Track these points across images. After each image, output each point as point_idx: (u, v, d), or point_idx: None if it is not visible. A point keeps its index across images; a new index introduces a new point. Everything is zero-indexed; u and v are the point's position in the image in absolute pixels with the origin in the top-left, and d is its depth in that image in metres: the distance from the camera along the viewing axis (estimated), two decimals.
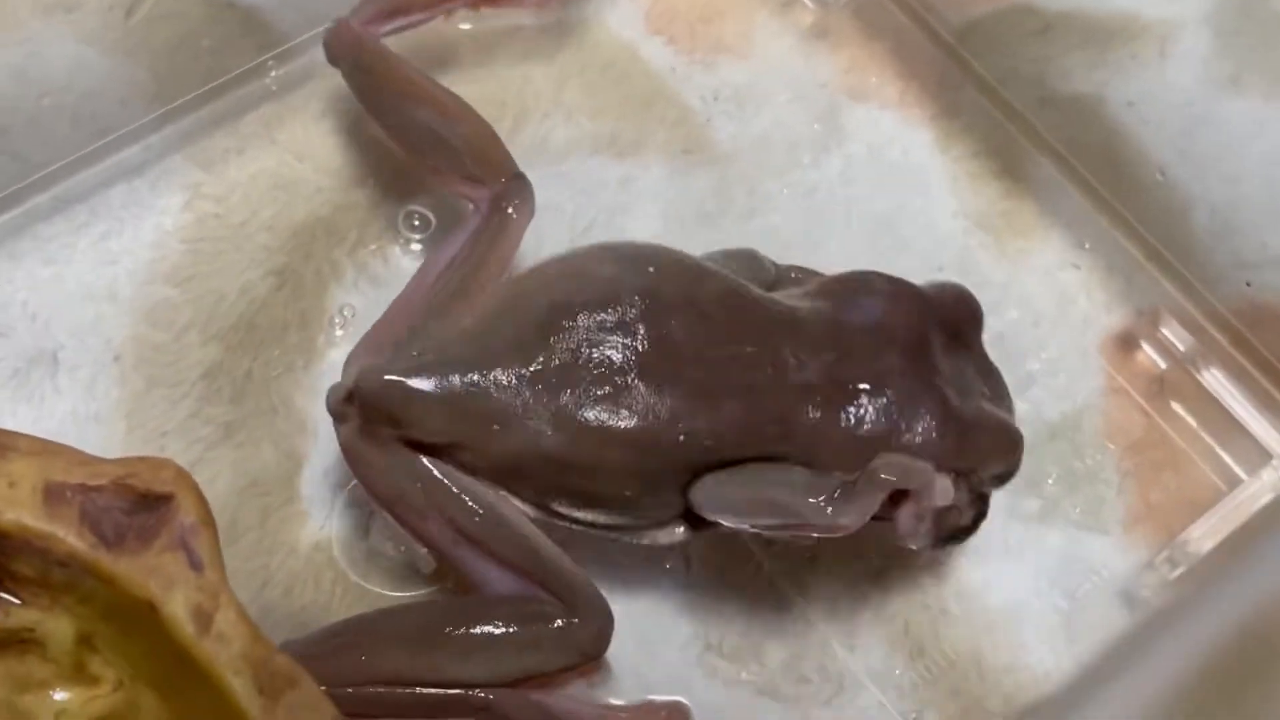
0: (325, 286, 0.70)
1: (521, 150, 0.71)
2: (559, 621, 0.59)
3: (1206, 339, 0.72)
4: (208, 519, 0.53)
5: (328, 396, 0.61)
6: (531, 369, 0.59)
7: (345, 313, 0.70)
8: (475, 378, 0.59)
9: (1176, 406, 0.72)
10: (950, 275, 0.72)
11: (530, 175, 0.67)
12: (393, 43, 0.70)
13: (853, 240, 0.74)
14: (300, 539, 0.65)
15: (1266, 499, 0.69)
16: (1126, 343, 0.72)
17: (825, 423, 0.59)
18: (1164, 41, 0.71)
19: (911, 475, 0.57)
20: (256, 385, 0.68)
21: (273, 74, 0.74)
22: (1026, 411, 0.70)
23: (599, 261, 0.62)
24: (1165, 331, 0.72)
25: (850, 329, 0.60)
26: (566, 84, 0.76)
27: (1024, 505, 0.69)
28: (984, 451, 0.60)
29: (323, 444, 0.67)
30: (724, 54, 0.78)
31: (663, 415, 0.58)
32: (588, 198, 0.73)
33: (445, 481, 0.60)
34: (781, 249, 0.67)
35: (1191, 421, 0.71)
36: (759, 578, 0.66)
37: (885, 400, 0.59)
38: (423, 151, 0.67)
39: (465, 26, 0.75)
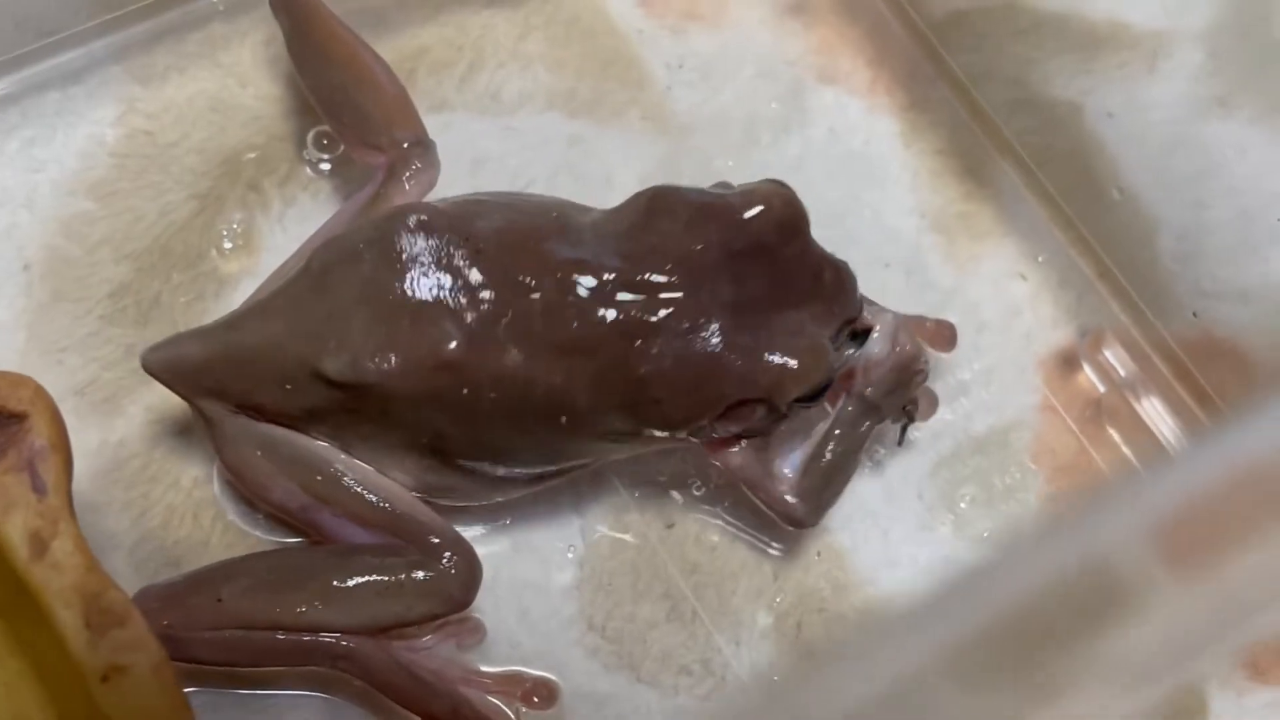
0: (251, 217, 0.68)
1: (472, 97, 0.69)
2: (421, 569, 0.58)
3: (1149, 367, 0.69)
4: (60, 444, 0.52)
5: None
6: (312, 320, 0.57)
7: (265, 246, 0.67)
8: (252, 336, 0.58)
9: (1110, 432, 0.69)
10: (896, 274, 0.70)
11: (478, 125, 0.66)
12: None
13: None
14: (186, 472, 0.64)
15: None
16: (1067, 362, 0.70)
17: (608, 364, 0.57)
18: (1154, 55, 0.68)
19: None
20: (163, 310, 0.66)
21: None
22: (953, 422, 0.68)
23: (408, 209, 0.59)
24: (1108, 354, 0.70)
25: (632, 256, 0.57)
26: (529, 35, 0.74)
27: (936, 519, 0.66)
28: (773, 379, 0.57)
29: None
30: (695, 21, 0.75)
31: (440, 364, 0.56)
32: (533, 153, 0.71)
33: (281, 444, 0.59)
34: None
35: (1124, 450, 0.69)
36: (654, 562, 0.64)
37: (664, 336, 0.56)
38: (333, 112, 0.66)
39: None
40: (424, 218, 0.58)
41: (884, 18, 0.76)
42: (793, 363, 0.57)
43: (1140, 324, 0.70)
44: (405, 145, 0.63)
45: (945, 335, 0.65)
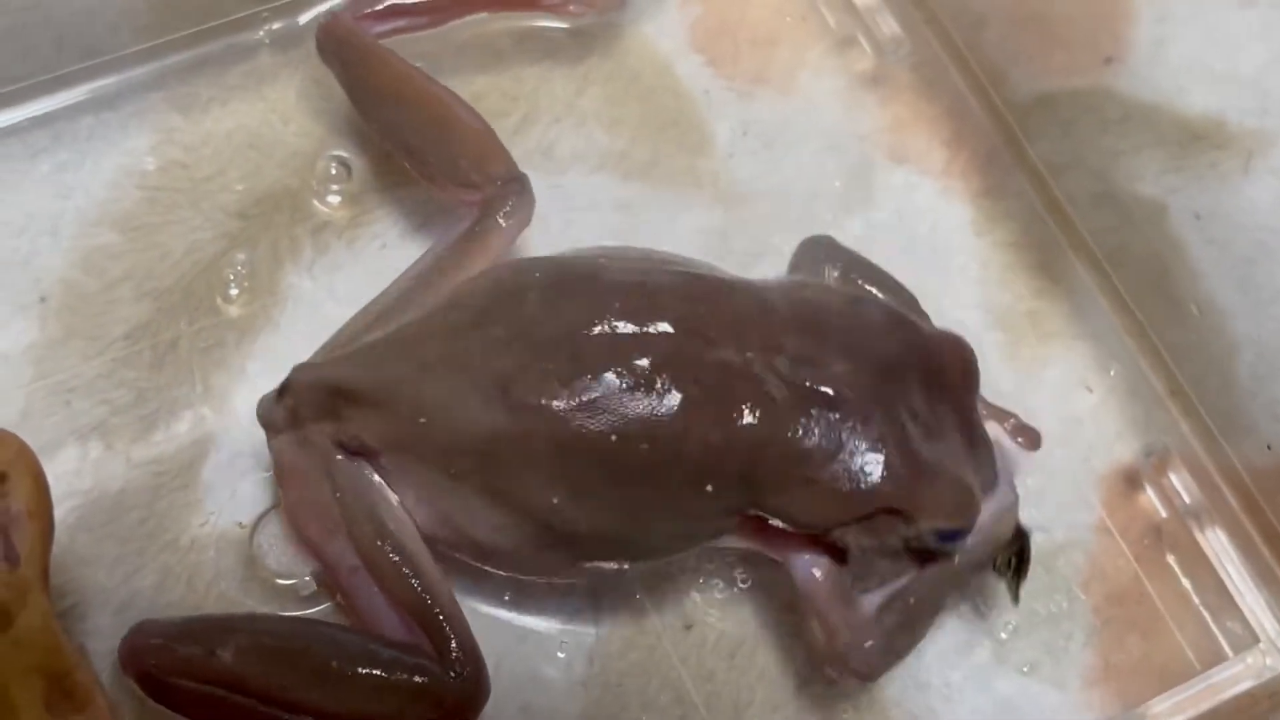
0: (279, 263, 0.65)
1: (521, 152, 0.66)
2: (428, 674, 0.55)
3: (1216, 496, 0.65)
4: (40, 510, 0.49)
5: (258, 406, 0.58)
6: (460, 359, 0.55)
7: (292, 295, 0.64)
8: (402, 367, 0.55)
9: (1170, 561, 0.65)
10: None
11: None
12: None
13: None
14: (185, 530, 0.61)
15: (1244, 686, 0.62)
16: (1129, 482, 0.66)
17: (771, 435, 0.54)
18: (1250, 155, 0.64)
19: None
20: (181, 355, 0.63)
21: (270, 26, 0.69)
22: None
23: (540, 263, 0.58)
24: (1173, 478, 0.66)
25: (823, 340, 0.56)
26: (588, 90, 0.70)
27: (975, 642, 0.62)
28: (933, 500, 0.55)
29: (236, 431, 0.62)
30: (765, 85, 0.72)
31: (594, 407, 0.54)
32: (579, 215, 0.68)
33: (363, 498, 0.56)
34: None
35: (1182, 583, 0.65)
36: (667, 665, 0.61)
37: (837, 422, 0.54)
38: (412, 153, 0.63)
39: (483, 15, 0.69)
40: (592, 262, 0.56)
41: (964, 97, 0.72)
42: (954, 493, 0.55)
43: (1210, 448, 0.66)
44: (499, 181, 0.61)
45: (1030, 437, 0.62)
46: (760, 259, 0.67)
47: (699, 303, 0.55)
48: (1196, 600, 0.64)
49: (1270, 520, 0.64)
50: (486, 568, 0.58)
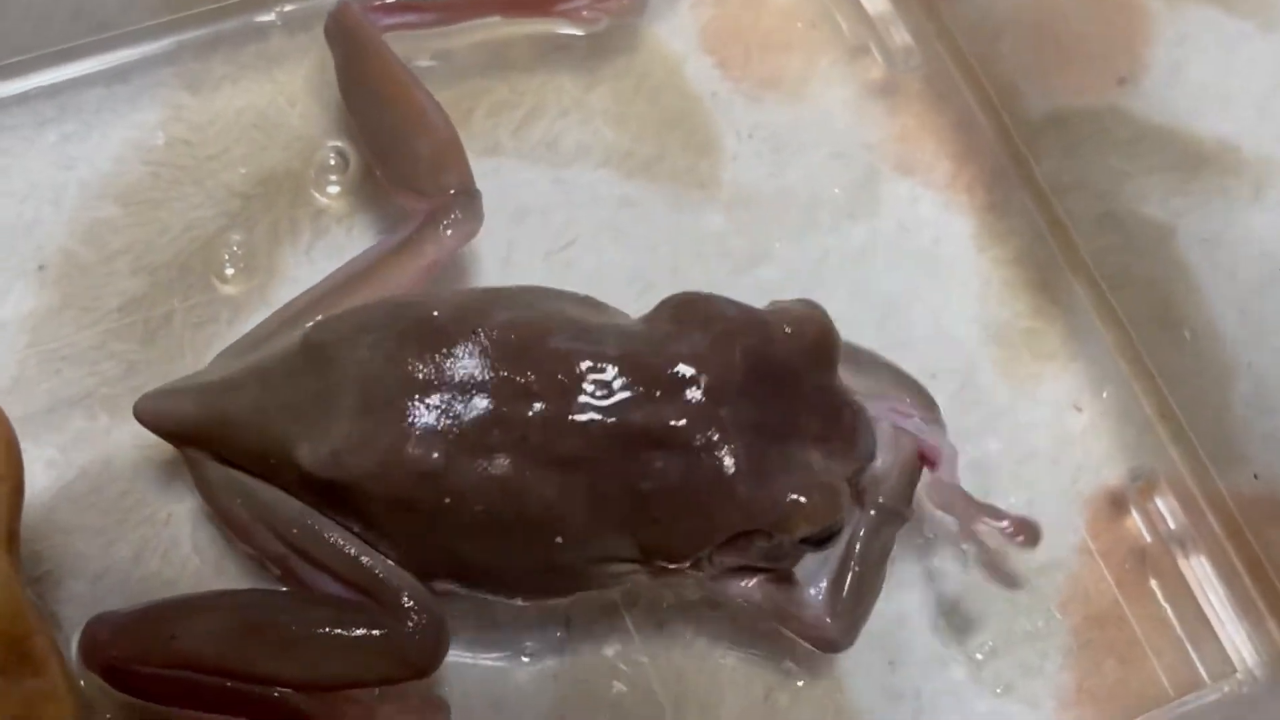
0: (278, 244, 0.66)
1: (527, 145, 0.66)
2: (385, 628, 0.55)
3: (1201, 522, 0.65)
4: (9, 473, 0.50)
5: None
6: (299, 403, 0.55)
7: (288, 276, 0.65)
8: (241, 403, 0.56)
9: (1152, 586, 0.64)
10: (946, 385, 0.66)
11: (528, 173, 0.63)
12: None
13: (852, 321, 0.66)
14: (164, 507, 0.61)
15: (1218, 716, 0.61)
16: (1115, 504, 0.65)
17: (612, 480, 0.53)
18: (1261, 183, 0.64)
19: None
20: (174, 330, 0.64)
21: (283, 8, 0.69)
22: (978, 554, 0.63)
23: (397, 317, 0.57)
24: (1159, 503, 0.65)
25: (650, 367, 0.54)
26: (597, 87, 0.70)
27: (949, 657, 0.62)
28: (784, 514, 0.53)
29: None
30: (774, 90, 0.72)
31: (424, 468, 0.53)
32: (580, 210, 0.68)
33: (261, 495, 0.56)
34: None
35: (1163, 609, 0.64)
36: (638, 664, 0.61)
37: (671, 455, 0.53)
38: (377, 150, 0.63)
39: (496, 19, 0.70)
40: (434, 313, 0.55)
41: (973, 111, 0.71)
42: (804, 499, 0.53)
43: (1198, 475, 0.65)
44: (451, 192, 0.61)
45: (1029, 533, 0.61)
46: (758, 262, 0.67)
47: (527, 352, 0.54)
48: (1176, 627, 0.64)
49: (1254, 550, 0.63)
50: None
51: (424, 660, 0.55)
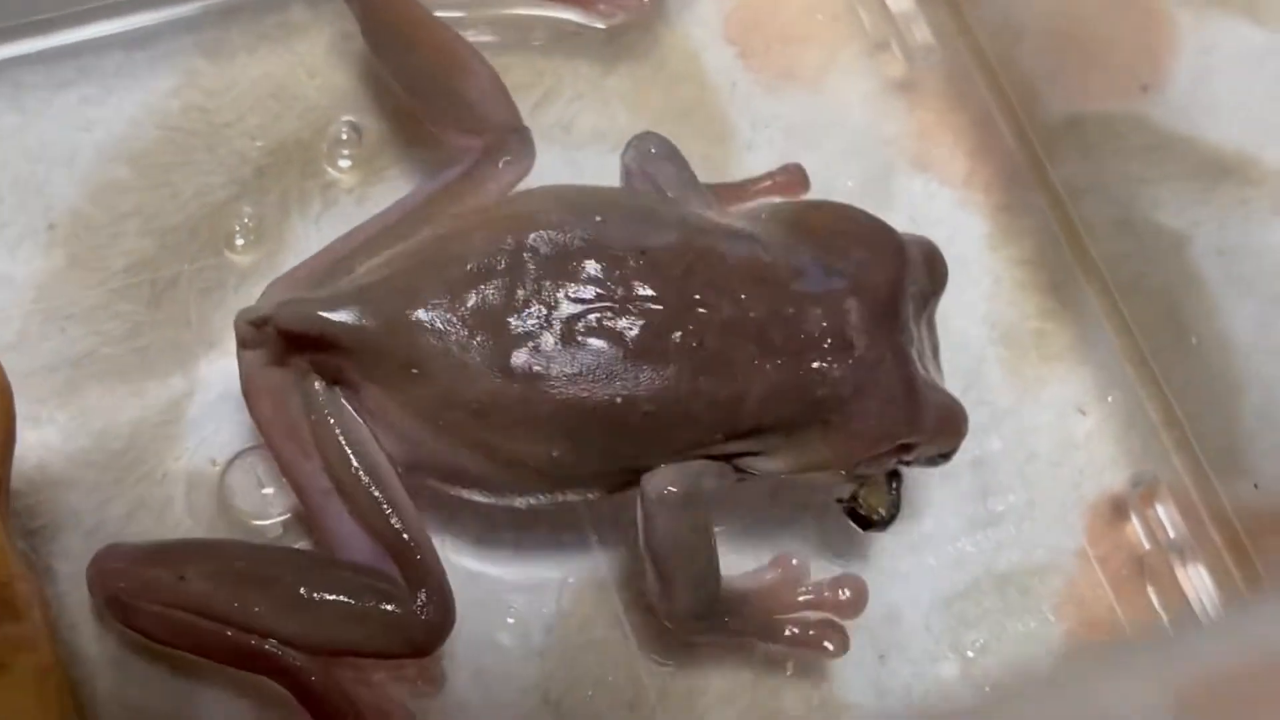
0: (287, 213, 0.66)
1: (542, 126, 0.67)
2: (395, 603, 0.55)
3: (1200, 532, 0.64)
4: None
5: (236, 319, 0.57)
6: (458, 314, 0.54)
7: (297, 245, 0.65)
8: (398, 317, 0.54)
9: (1148, 594, 0.64)
10: (953, 382, 0.65)
11: (542, 154, 0.62)
12: None
13: None
14: (161, 466, 0.61)
15: None
16: (1116, 510, 0.65)
17: (783, 384, 0.54)
18: None
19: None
20: (179, 293, 0.64)
21: None
22: (976, 555, 0.64)
23: (544, 207, 0.57)
24: (1159, 510, 0.65)
25: (818, 277, 0.55)
26: (615, 70, 0.70)
27: (940, 655, 0.62)
28: (935, 428, 0.56)
29: (225, 372, 0.62)
30: (793, 82, 0.71)
31: (598, 373, 0.54)
32: None
33: (338, 424, 0.56)
34: None
35: (1158, 614, 0.64)
36: (626, 646, 0.61)
37: (850, 361, 0.54)
38: (422, 96, 0.63)
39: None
40: (597, 219, 0.56)
41: (991, 112, 0.71)
42: (949, 418, 0.56)
43: (1200, 484, 0.64)
44: (502, 129, 0.61)
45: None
46: None
47: (696, 264, 0.55)
48: (1170, 634, 0.63)
49: (1252, 560, 0.62)
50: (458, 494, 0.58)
51: (426, 641, 0.56)
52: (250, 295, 0.63)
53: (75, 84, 0.67)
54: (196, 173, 0.66)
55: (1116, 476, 0.65)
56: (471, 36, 0.67)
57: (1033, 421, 0.66)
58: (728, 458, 0.56)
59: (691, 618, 0.56)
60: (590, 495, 0.57)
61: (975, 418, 0.63)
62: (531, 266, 0.55)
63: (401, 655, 0.56)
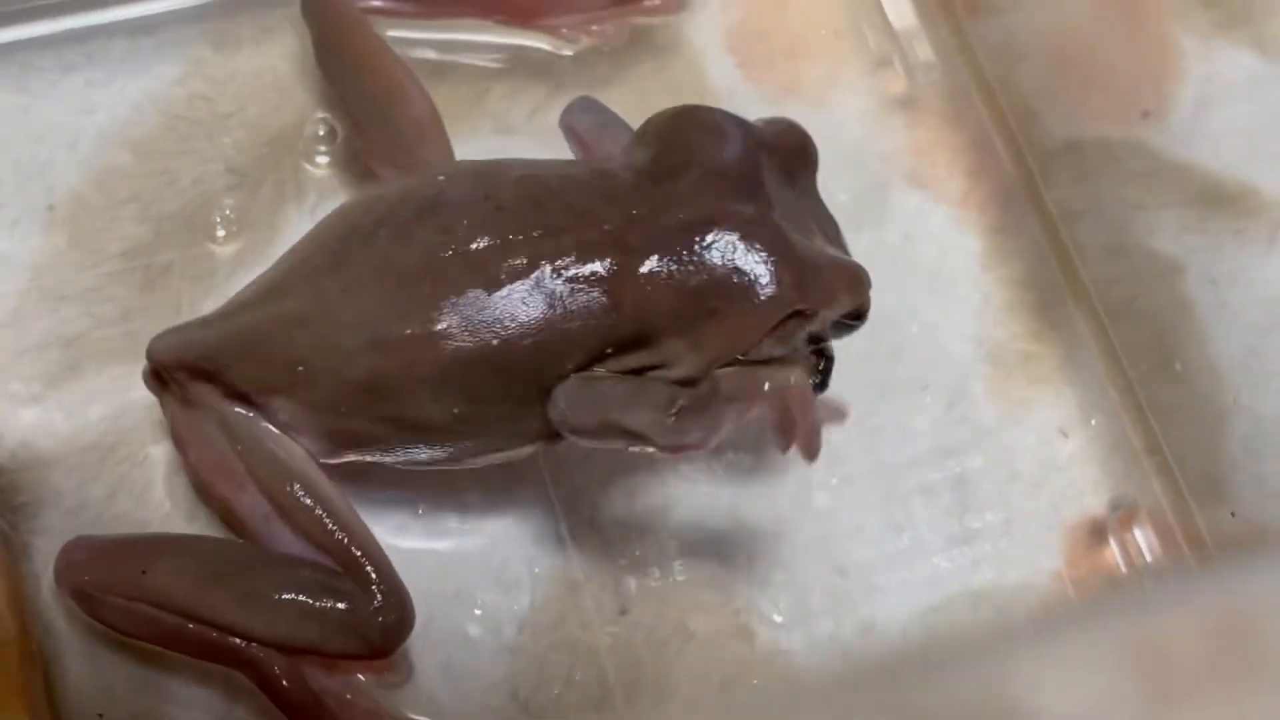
0: (282, 202, 0.66)
1: (540, 128, 0.67)
2: (353, 605, 0.56)
3: (1178, 557, 0.64)
4: None
5: (143, 372, 0.59)
6: (323, 300, 0.55)
7: (290, 234, 0.65)
8: (267, 320, 0.56)
9: None
10: (935, 399, 0.66)
11: (540, 156, 0.62)
12: None
13: None
14: (145, 449, 0.62)
15: None
16: (1095, 534, 0.65)
17: (654, 285, 0.54)
18: (1278, 227, 0.63)
19: (756, 390, 0.53)
20: (172, 279, 0.65)
21: None
22: (951, 571, 0.64)
23: (389, 187, 0.59)
24: (1137, 535, 0.65)
25: (668, 173, 0.55)
26: (615, 76, 0.71)
27: None
28: (829, 289, 0.54)
29: None
30: (794, 96, 0.72)
31: (466, 322, 0.54)
32: None
33: (262, 445, 0.57)
34: None
35: None
36: (596, 647, 0.61)
37: (716, 243, 0.53)
38: (359, 122, 0.64)
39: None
40: (441, 189, 0.56)
41: (989, 132, 0.71)
42: (845, 274, 0.54)
43: (1179, 509, 0.65)
44: (426, 167, 0.61)
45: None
46: None
47: (540, 198, 0.55)
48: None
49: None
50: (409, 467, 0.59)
51: (384, 642, 0.56)
52: (240, 283, 0.63)
53: (81, 68, 0.68)
54: (195, 161, 0.67)
55: (1097, 500, 0.65)
56: (473, 39, 0.68)
57: (1015, 442, 0.66)
58: (634, 373, 0.55)
59: (676, 434, 0.54)
60: (529, 446, 0.57)
61: (958, 435, 0.64)
62: (382, 238, 0.55)
63: (360, 655, 0.56)
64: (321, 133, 0.67)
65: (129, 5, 0.69)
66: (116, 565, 0.56)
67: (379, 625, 0.56)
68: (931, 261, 0.69)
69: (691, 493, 0.63)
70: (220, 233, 0.65)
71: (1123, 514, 0.65)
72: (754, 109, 0.67)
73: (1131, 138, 0.68)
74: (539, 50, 0.71)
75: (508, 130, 0.69)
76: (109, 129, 0.67)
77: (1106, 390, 0.67)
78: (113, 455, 0.62)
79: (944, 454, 0.65)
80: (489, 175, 0.57)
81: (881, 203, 0.70)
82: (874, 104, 0.72)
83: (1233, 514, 0.62)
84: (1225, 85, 0.65)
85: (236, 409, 0.57)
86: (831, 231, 0.57)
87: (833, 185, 0.66)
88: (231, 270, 0.65)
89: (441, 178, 0.57)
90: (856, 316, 0.56)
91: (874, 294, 0.64)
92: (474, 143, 0.67)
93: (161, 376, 0.58)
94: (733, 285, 0.53)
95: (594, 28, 0.69)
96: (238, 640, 0.56)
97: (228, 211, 0.66)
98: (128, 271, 0.64)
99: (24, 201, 0.65)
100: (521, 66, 0.70)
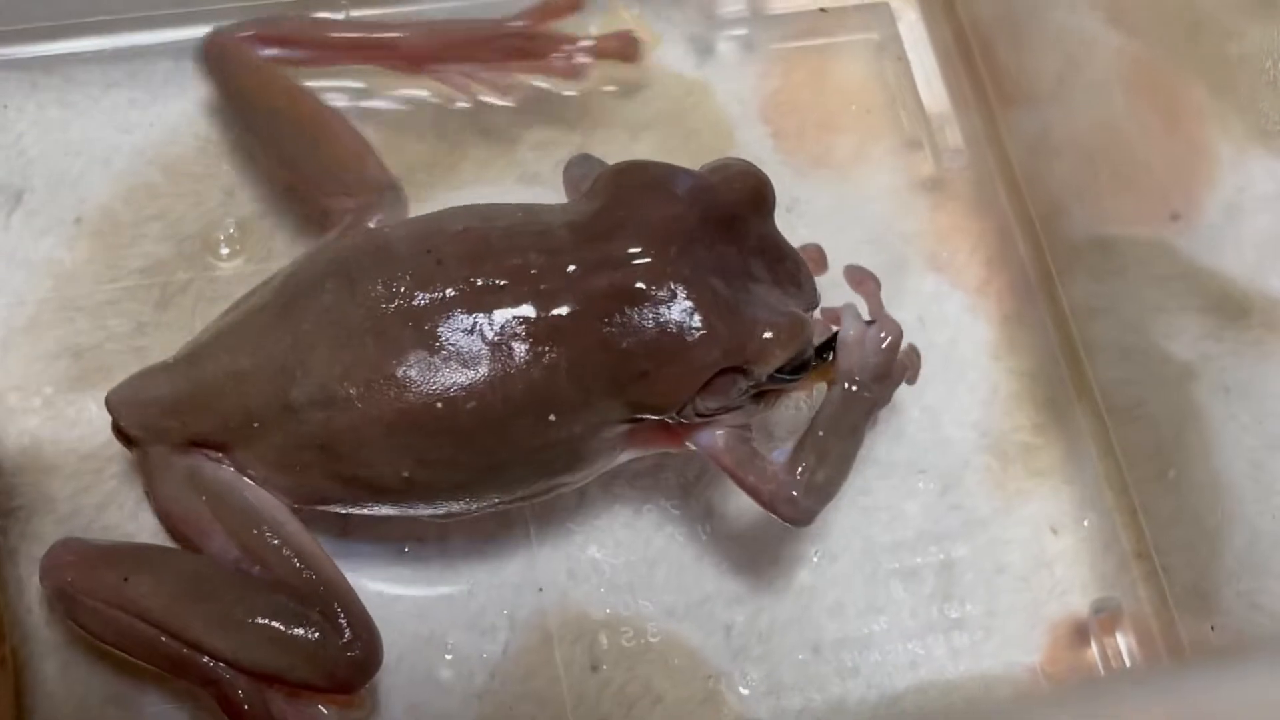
0: (302, 233, 0.67)
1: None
2: (324, 637, 0.56)
3: (1157, 665, 0.63)
4: None
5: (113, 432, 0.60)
6: (274, 358, 0.56)
7: None
8: (221, 375, 0.57)
9: None
10: (930, 484, 0.66)
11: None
12: None
13: None
14: None
15: None
16: (1077, 633, 0.65)
17: (588, 347, 0.55)
18: None
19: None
20: (187, 300, 0.66)
21: (351, 12, 0.71)
22: (930, 660, 0.64)
23: (344, 236, 0.60)
24: (1119, 639, 0.64)
25: (605, 231, 0.56)
26: (644, 133, 0.72)
27: None
28: (761, 345, 0.55)
29: None
30: (822, 168, 0.72)
31: (410, 384, 0.54)
32: None
33: (231, 487, 0.58)
34: None
35: None
36: (563, 703, 0.62)
37: (645, 306, 0.54)
38: (292, 164, 0.64)
39: None
40: (385, 243, 0.57)
41: (1010, 224, 0.71)
42: (776, 330, 0.54)
43: (1162, 617, 0.64)
44: (373, 188, 0.62)
45: (814, 257, 0.63)
46: None
47: (481, 254, 0.55)
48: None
49: None
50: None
51: (350, 677, 0.57)
52: None
53: (123, 86, 0.70)
54: (223, 184, 0.68)
55: (1081, 600, 0.65)
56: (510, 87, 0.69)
57: (1006, 534, 0.66)
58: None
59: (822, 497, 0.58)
60: (497, 500, 0.58)
61: (949, 522, 0.64)
62: (329, 291, 0.56)
63: (326, 689, 0.57)
64: (227, 235, 0.68)
65: (176, 28, 0.70)
66: (100, 570, 0.57)
67: (346, 660, 0.56)
68: (943, 346, 0.69)
69: (673, 554, 0.64)
70: (240, 259, 0.66)
71: (1106, 617, 0.64)
72: (784, 179, 0.69)
73: (1158, 239, 0.67)
74: (568, 105, 0.71)
75: (535, 179, 0.70)
76: (144, 148, 0.68)
77: (1103, 490, 0.66)
78: (109, 468, 0.63)
79: (933, 539, 0.65)
80: (433, 227, 0.57)
81: (899, 283, 0.70)
82: (901, 184, 0.72)
83: (1212, 628, 0.61)
84: (1258, 194, 0.65)
85: (203, 456, 0.58)
86: (789, 271, 0.57)
87: (852, 259, 0.67)
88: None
89: (388, 229, 0.58)
90: (798, 367, 0.56)
91: None
92: (498, 188, 0.69)
93: (124, 431, 0.59)
94: (661, 348, 0.54)
95: (483, 77, 0.69)
96: (206, 659, 0.56)
97: (250, 237, 0.66)
98: (145, 288, 0.66)
99: (53, 212, 0.67)
100: (548, 122, 0.70)
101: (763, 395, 0.57)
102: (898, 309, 0.68)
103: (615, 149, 0.71)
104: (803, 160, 0.72)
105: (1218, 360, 0.64)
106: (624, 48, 0.70)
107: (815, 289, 0.58)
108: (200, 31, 0.69)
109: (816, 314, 0.59)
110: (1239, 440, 0.64)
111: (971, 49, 0.74)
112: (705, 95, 0.73)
